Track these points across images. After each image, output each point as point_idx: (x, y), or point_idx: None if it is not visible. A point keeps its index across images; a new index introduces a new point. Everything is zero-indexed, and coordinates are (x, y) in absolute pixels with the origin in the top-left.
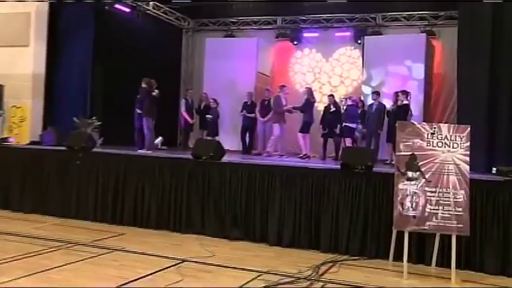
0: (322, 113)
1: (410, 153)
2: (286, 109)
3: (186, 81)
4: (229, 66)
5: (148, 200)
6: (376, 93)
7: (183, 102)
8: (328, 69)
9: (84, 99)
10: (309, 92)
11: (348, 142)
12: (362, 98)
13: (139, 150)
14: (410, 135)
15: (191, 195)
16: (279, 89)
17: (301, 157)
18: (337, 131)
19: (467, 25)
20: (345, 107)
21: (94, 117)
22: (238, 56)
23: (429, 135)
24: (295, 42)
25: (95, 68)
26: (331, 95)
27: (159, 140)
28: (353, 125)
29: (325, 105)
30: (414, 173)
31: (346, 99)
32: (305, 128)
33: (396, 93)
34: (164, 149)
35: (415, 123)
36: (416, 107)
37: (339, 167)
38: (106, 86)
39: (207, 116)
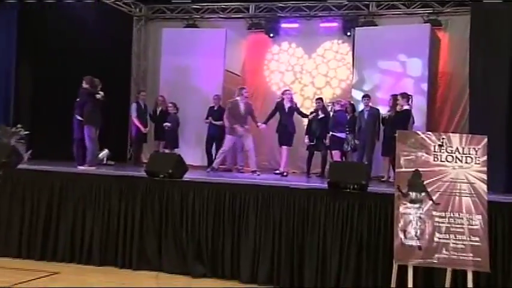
0: (307, 120)
1: (413, 169)
2: (254, 119)
3: (138, 82)
4: (192, 63)
5: (90, 229)
6: (367, 97)
7: (134, 106)
8: (311, 68)
9: (5, 105)
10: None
11: (336, 156)
12: (352, 102)
13: (79, 167)
14: (413, 147)
15: (145, 222)
16: (237, 91)
17: (280, 173)
18: (327, 142)
19: (482, 14)
20: (332, 113)
21: (19, 126)
22: (203, 51)
23: (436, 147)
24: (271, 35)
25: (20, 70)
26: (320, 99)
27: (104, 153)
28: (341, 135)
29: (311, 110)
30: (418, 194)
31: (333, 103)
32: (289, 140)
33: (394, 97)
34: (111, 165)
35: (419, 132)
36: (418, 113)
37: (325, 185)
38: (36, 89)
39: (165, 123)
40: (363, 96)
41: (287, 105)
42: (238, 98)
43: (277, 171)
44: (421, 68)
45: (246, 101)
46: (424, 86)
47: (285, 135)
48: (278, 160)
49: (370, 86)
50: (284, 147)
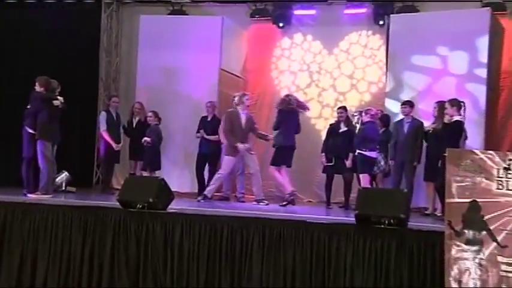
0: (326, 134)
1: (469, 199)
2: (259, 134)
3: (108, 84)
4: (178, 61)
5: (43, 276)
6: (409, 104)
7: (103, 116)
8: (332, 67)
9: None
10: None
11: (365, 180)
12: (385, 113)
13: (29, 195)
14: (469, 170)
15: (117, 267)
16: (237, 99)
17: (284, 204)
18: (349, 162)
19: None
20: (358, 126)
21: None
22: (192, 45)
23: (501, 171)
24: (280, 24)
25: None
26: (343, 108)
27: (62, 176)
28: (372, 154)
29: (331, 122)
30: (477, 233)
31: (360, 113)
32: (283, 158)
33: (441, 104)
34: (72, 192)
35: (478, 151)
36: (472, 126)
37: (352, 219)
38: None
39: (143, 138)
40: (403, 103)
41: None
42: (238, 108)
43: (284, 203)
44: (479, 67)
45: (248, 112)
46: (482, 91)
47: (287, 151)
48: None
49: (409, 92)
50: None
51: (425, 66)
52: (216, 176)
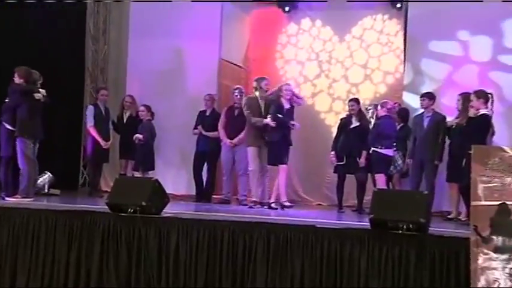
0: (336, 130)
1: (498, 202)
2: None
3: (96, 76)
4: (173, 50)
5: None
6: (428, 96)
7: (90, 111)
8: (344, 55)
9: None
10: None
11: (381, 181)
12: (403, 107)
13: (7, 198)
14: (498, 169)
15: (105, 277)
16: (256, 83)
17: (273, 205)
18: (363, 161)
19: None
20: (373, 121)
21: None
22: (188, 33)
23: None
24: (286, 8)
25: None
26: (355, 100)
27: (45, 178)
28: (388, 152)
29: (343, 117)
30: (507, 240)
31: (375, 106)
32: (280, 156)
33: (465, 96)
34: (55, 195)
35: (507, 148)
36: (500, 120)
37: (366, 224)
38: None
39: (135, 135)
40: (422, 95)
41: (286, 106)
42: (256, 93)
43: (272, 204)
44: (504, 53)
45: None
46: (509, 79)
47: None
48: (296, 187)
49: (430, 83)
50: (282, 166)
51: (444, 53)
52: (251, 176)
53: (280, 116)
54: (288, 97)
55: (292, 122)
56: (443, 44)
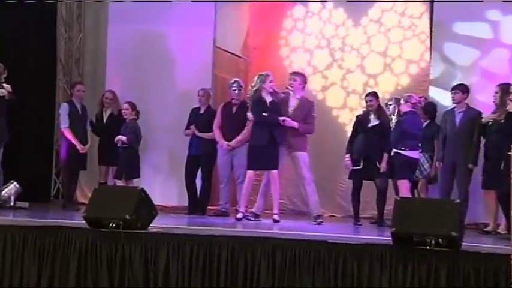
0: (352, 130)
1: None
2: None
3: (70, 68)
4: (159, 36)
5: None
6: (461, 89)
7: (64, 109)
8: (360, 42)
9: None
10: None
11: (404, 188)
12: (430, 101)
13: None
14: None
15: None
16: (257, 80)
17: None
18: (384, 165)
19: None
20: (395, 118)
21: None
22: (178, 16)
23: None
24: None
25: None
26: (373, 94)
27: (11, 188)
28: (413, 154)
29: (359, 114)
30: None
31: (396, 101)
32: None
33: (504, 88)
34: (23, 208)
35: None
36: None
37: (388, 239)
38: None
39: (117, 137)
40: (454, 88)
41: (268, 99)
42: (263, 93)
43: (249, 214)
44: None
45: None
46: None
47: (269, 151)
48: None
49: (463, 75)
50: (273, 172)
51: (470, 35)
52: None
53: (264, 114)
54: (271, 90)
55: (281, 118)
56: (471, 26)
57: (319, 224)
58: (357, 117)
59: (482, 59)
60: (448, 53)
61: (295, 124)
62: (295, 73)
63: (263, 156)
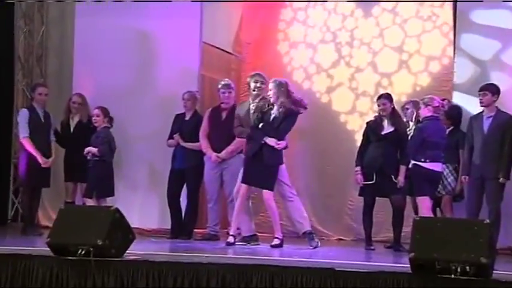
0: (362, 138)
1: None
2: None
3: (30, 67)
4: (136, 32)
5: None
6: (491, 90)
7: (23, 116)
8: (371, 36)
9: None
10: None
11: (424, 206)
12: (455, 104)
13: None
14: None
15: None
16: (250, 78)
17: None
18: (401, 180)
19: None
20: (413, 124)
21: None
22: (158, 9)
23: None
24: None
25: None
26: (386, 96)
27: None
28: (435, 166)
29: (370, 119)
30: None
31: (413, 103)
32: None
33: None
34: None
35: None
36: None
37: (406, 266)
38: None
39: (87, 149)
40: (482, 89)
41: (274, 113)
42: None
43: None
44: None
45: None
46: None
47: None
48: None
49: (488, 74)
50: (266, 192)
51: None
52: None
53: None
54: (273, 99)
55: (266, 139)
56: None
57: (315, 247)
58: (367, 123)
59: (502, 53)
60: (473, 47)
61: (280, 146)
62: (272, 82)
63: (259, 170)
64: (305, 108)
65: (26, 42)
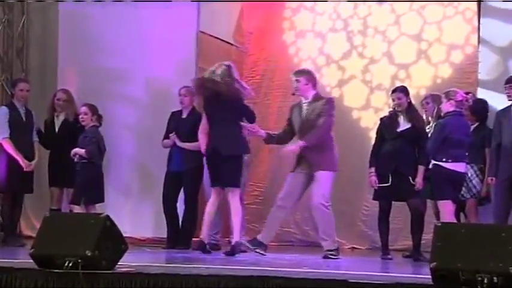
0: (376, 136)
1: None
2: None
3: (10, 60)
4: (128, 21)
5: None
6: None
7: (3, 114)
8: (386, 23)
9: None
10: None
11: (447, 211)
12: (480, 97)
13: None
14: None
15: None
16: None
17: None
18: (420, 181)
19: None
20: (433, 120)
21: None
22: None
23: None
24: None
25: None
26: (401, 90)
27: None
28: (458, 166)
29: (384, 115)
30: None
31: (433, 97)
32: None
33: None
34: None
35: None
36: None
37: (427, 278)
38: None
39: (73, 150)
40: (508, 81)
41: None
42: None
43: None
44: None
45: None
46: None
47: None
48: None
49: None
50: (231, 189)
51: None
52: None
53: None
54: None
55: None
56: None
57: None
58: (381, 119)
59: None
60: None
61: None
62: (296, 73)
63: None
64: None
65: (5, 33)
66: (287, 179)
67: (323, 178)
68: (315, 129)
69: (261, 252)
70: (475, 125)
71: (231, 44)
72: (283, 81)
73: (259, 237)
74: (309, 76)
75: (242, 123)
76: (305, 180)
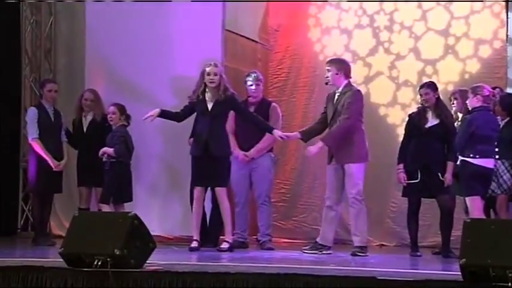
0: (404, 132)
1: None
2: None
3: (39, 61)
4: (153, 19)
5: None
6: None
7: (32, 115)
8: (413, 18)
9: None
10: None
11: (477, 207)
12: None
13: None
14: None
15: None
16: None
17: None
18: (449, 178)
19: None
20: (461, 116)
21: None
22: None
23: None
24: None
25: None
26: (429, 85)
27: None
28: (487, 162)
29: (412, 111)
30: None
31: (460, 92)
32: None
33: None
34: None
35: None
36: None
37: (457, 274)
38: None
39: (102, 150)
40: None
41: None
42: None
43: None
44: None
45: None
46: None
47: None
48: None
49: None
50: (221, 189)
51: None
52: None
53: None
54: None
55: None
56: None
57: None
58: (409, 116)
59: None
60: None
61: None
62: (328, 62)
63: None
64: None
65: (33, 34)
66: (327, 173)
67: (353, 170)
68: (334, 128)
69: (328, 252)
70: (505, 121)
71: (257, 42)
72: (308, 78)
73: (318, 240)
74: (339, 65)
75: (275, 131)
76: (342, 171)
